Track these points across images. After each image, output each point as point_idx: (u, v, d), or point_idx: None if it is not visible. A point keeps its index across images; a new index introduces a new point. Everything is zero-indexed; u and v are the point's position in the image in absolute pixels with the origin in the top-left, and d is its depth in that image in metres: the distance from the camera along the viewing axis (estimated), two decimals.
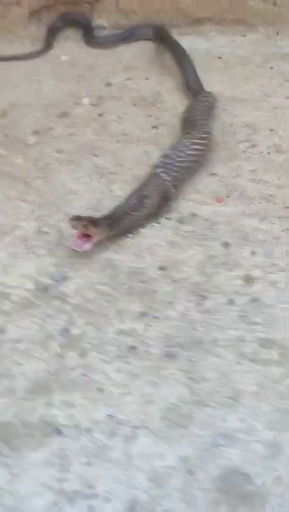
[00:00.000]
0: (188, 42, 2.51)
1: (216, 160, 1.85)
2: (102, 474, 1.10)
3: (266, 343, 1.30)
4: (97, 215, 1.66)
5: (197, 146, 1.75)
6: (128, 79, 2.31)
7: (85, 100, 2.17)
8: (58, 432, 1.18)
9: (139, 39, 2.52)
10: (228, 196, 1.71)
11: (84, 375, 1.28)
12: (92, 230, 1.48)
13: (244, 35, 2.56)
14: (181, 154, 1.71)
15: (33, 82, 2.31)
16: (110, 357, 1.31)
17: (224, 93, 2.17)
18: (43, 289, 1.46)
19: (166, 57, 2.41)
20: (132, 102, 2.16)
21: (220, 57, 2.42)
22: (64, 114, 2.11)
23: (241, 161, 1.84)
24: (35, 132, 2.02)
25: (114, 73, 2.35)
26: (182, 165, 1.69)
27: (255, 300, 1.41)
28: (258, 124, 2.00)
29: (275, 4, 2.54)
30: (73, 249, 1.49)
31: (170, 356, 1.30)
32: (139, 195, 1.61)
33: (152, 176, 1.67)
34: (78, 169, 1.85)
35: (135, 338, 1.34)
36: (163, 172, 1.66)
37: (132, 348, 1.32)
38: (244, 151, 1.88)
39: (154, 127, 2.02)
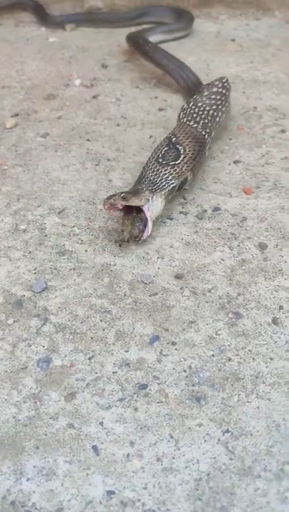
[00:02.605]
0: (196, 25, 2.20)
1: (238, 146, 1.49)
2: None
3: None
4: (92, 208, 1.29)
5: (217, 95, 1.46)
6: (127, 61, 1.97)
7: (77, 82, 1.83)
8: None
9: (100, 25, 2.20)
10: (258, 187, 1.34)
11: (70, 426, 0.87)
12: (135, 201, 1.13)
13: (258, 19, 2.27)
14: (205, 103, 1.42)
15: (15, 63, 1.97)
16: (109, 400, 0.91)
17: (242, 76, 1.85)
18: (15, 304, 1.06)
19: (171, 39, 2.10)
20: (132, 83, 1.82)
21: (233, 40, 2.10)
22: (51, 96, 1.76)
23: (270, 148, 1.48)
24: (15, 115, 1.66)
25: (112, 55, 2.02)
26: (208, 113, 1.39)
27: None
28: (286, 108, 1.65)
29: None
30: (139, 241, 1.15)
31: (196, 399, 0.90)
32: (169, 144, 1.28)
33: (179, 126, 1.35)
34: (68, 155, 1.47)
35: (145, 372, 0.94)
36: (189, 120, 1.36)
37: (141, 386, 0.92)
38: (272, 137, 1.52)
39: (161, 110, 1.66)
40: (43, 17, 2.23)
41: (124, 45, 2.07)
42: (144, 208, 1.14)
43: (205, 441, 0.85)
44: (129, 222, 1.15)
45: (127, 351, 0.98)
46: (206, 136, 1.33)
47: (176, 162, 1.24)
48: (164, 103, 1.69)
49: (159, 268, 1.13)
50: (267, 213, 1.25)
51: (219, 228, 1.22)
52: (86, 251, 1.16)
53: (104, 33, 2.20)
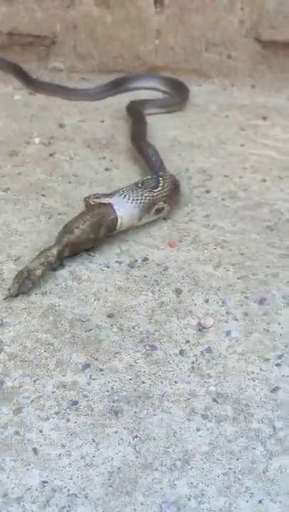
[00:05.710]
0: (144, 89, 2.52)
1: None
2: None
3: (219, 398, 1.20)
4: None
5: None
6: (82, 121, 2.28)
7: (37, 140, 2.12)
8: None
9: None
10: (180, 241, 1.64)
11: (16, 433, 1.14)
12: (105, 199, 1.51)
13: (200, 85, 2.60)
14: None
15: None
16: (48, 413, 1.17)
17: (180, 139, 2.17)
18: None
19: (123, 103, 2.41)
20: (84, 143, 2.12)
21: None
22: (14, 153, 2.04)
23: (195, 206, 1.79)
24: None
25: (69, 114, 2.32)
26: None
27: (208, 350, 1.32)
28: (213, 171, 1.97)
29: (229, 57, 2.60)
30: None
31: (114, 412, 1.18)
32: (155, 175, 1.67)
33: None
34: (25, 209, 1.75)
35: (77, 392, 1.22)
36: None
37: (73, 403, 1.20)
38: (198, 197, 1.84)
39: (107, 170, 1.96)
40: (29, 81, 2.45)
41: (80, 106, 2.38)
42: (113, 205, 1.48)
43: (119, 444, 1.13)
44: (20, 278, 1.40)
45: (64, 376, 1.25)
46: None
47: (154, 190, 1.59)
48: (110, 163, 2.00)
49: (94, 308, 1.41)
50: (185, 264, 1.55)
51: (145, 276, 1.51)
52: (36, 294, 1.43)
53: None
